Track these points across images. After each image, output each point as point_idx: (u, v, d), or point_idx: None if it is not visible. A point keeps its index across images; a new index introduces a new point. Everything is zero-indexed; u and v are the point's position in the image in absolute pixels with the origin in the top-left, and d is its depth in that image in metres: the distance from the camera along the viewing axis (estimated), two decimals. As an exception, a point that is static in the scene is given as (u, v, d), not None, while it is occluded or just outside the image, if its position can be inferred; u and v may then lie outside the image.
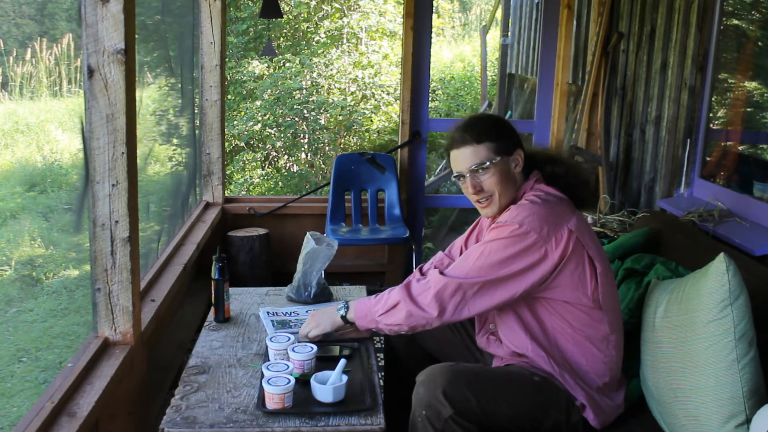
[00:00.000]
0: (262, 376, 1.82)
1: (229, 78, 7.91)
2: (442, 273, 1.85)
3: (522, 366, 1.89)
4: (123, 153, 1.89)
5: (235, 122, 8.00)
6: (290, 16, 8.38)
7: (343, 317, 2.01)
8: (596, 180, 4.04)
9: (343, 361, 1.84)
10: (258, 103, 8.06)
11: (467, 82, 10.26)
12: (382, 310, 1.89)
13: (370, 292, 2.25)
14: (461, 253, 2.24)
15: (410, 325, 1.86)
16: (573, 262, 1.80)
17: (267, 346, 1.99)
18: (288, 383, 1.73)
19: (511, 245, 1.79)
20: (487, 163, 1.87)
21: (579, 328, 1.85)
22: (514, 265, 1.79)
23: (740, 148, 3.27)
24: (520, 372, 1.88)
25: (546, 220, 1.80)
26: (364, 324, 1.96)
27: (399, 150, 4.29)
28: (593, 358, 1.86)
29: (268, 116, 7.97)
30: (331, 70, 8.14)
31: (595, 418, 1.84)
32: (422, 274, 2.23)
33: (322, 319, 2.05)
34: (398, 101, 6.14)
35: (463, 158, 1.91)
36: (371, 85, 8.24)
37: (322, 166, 8.13)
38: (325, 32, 8.37)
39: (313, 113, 7.96)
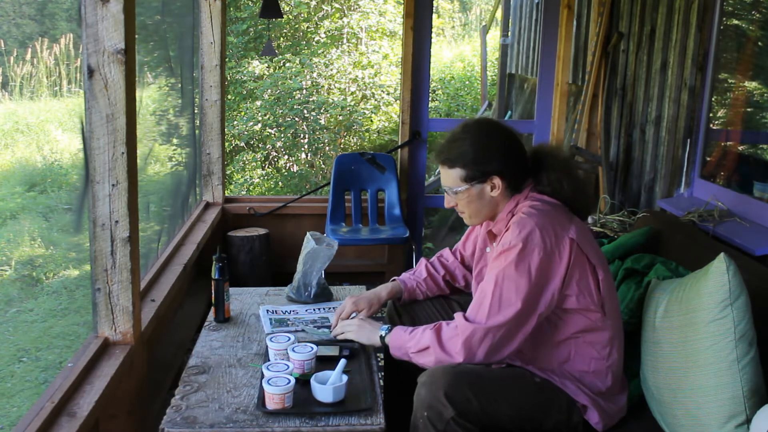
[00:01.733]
0: (262, 376, 1.82)
1: (229, 78, 7.91)
2: (466, 318, 1.82)
3: (522, 366, 1.90)
4: (123, 153, 1.89)
5: (235, 122, 8.00)
6: (290, 16, 8.38)
7: (382, 338, 1.98)
8: (596, 180, 4.04)
9: (343, 361, 1.85)
10: (258, 103, 8.06)
11: (467, 82, 10.26)
12: (414, 349, 1.87)
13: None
14: (461, 257, 2.27)
15: None
16: (577, 271, 1.80)
17: (267, 346, 1.99)
18: (288, 383, 1.73)
19: (521, 269, 1.77)
20: (456, 189, 1.90)
21: (582, 335, 1.85)
22: (529, 291, 1.77)
23: (740, 148, 3.27)
24: (522, 373, 1.88)
25: (548, 234, 1.78)
26: (398, 355, 1.93)
27: (399, 150, 4.29)
28: (596, 364, 1.86)
29: (268, 116, 7.96)
30: (331, 70, 8.14)
31: (599, 422, 1.84)
32: (429, 274, 2.25)
33: (363, 332, 2.02)
34: (398, 101, 6.14)
35: (442, 175, 1.96)
36: (371, 85, 8.24)
37: (322, 166, 8.13)
38: (325, 32, 8.37)
39: (313, 113, 7.96)
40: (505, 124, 1.98)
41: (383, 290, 2.22)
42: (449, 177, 1.91)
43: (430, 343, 1.83)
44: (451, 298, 2.25)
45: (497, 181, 1.88)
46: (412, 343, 1.87)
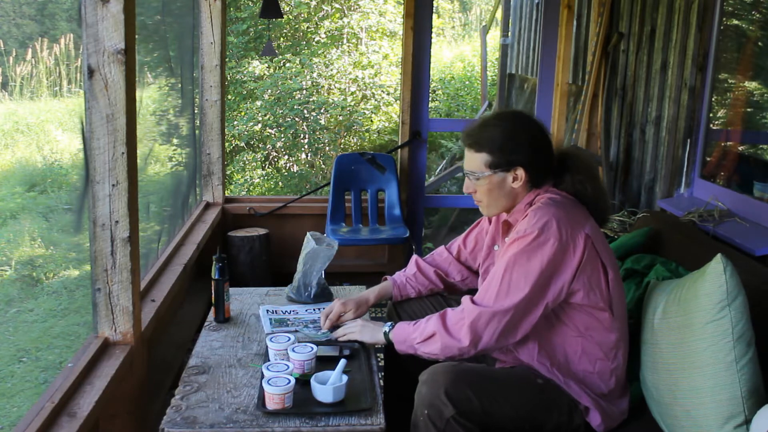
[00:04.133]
0: (262, 376, 1.82)
1: (229, 78, 7.91)
2: (473, 302, 1.82)
3: (525, 367, 1.90)
4: (123, 153, 1.89)
5: (236, 122, 8.00)
6: (290, 16, 8.38)
7: (386, 334, 1.98)
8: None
9: (343, 361, 1.85)
10: (258, 103, 8.06)
11: (467, 82, 10.26)
12: (420, 339, 1.87)
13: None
14: (458, 253, 2.25)
15: (446, 356, 1.85)
16: (589, 267, 1.80)
17: (267, 346, 1.99)
18: (288, 383, 1.74)
19: (533, 256, 1.77)
20: (478, 174, 1.89)
21: (590, 334, 1.85)
22: (539, 279, 1.77)
23: (740, 148, 3.27)
24: (524, 373, 1.88)
25: (564, 226, 1.78)
26: (403, 349, 1.93)
27: (399, 150, 4.29)
28: (601, 365, 1.86)
29: (268, 116, 7.97)
30: (331, 70, 8.14)
31: (601, 423, 1.84)
32: (419, 268, 2.24)
33: (367, 331, 2.03)
34: (398, 101, 6.14)
35: (466, 159, 1.94)
36: (371, 85, 8.24)
37: (322, 166, 8.13)
38: (325, 32, 8.37)
39: (313, 113, 7.96)
40: (538, 119, 1.95)
41: (371, 293, 2.23)
42: (474, 161, 1.89)
43: (435, 329, 1.83)
44: (450, 297, 2.25)
45: (520, 172, 1.87)
46: (417, 333, 1.88)
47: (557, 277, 1.78)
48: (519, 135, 1.88)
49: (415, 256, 2.30)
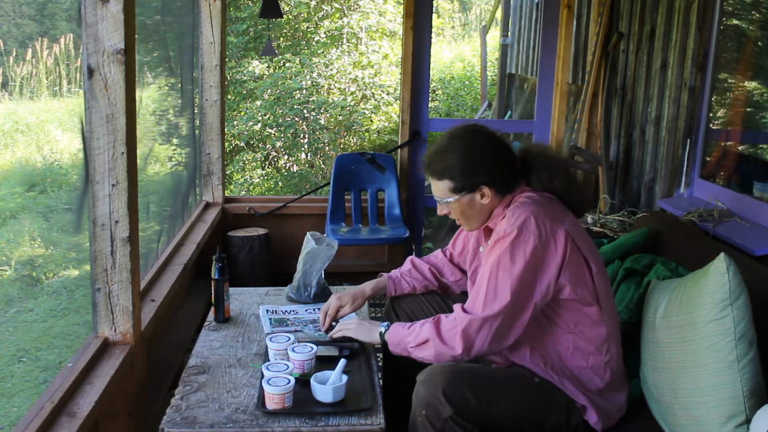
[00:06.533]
0: (262, 376, 1.82)
1: (229, 78, 7.91)
2: (464, 310, 1.83)
3: (522, 367, 1.90)
4: (123, 153, 1.89)
5: (235, 122, 8.00)
6: (290, 16, 8.38)
7: (381, 334, 1.98)
8: (596, 180, 4.04)
9: (343, 361, 1.85)
10: (258, 103, 8.06)
11: (467, 82, 10.26)
12: (414, 343, 1.87)
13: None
14: (450, 255, 2.27)
15: (439, 361, 1.85)
16: (573, 262, 1.80)
17: (267, 346, 1.99)
18: (288, 383, 1.74)
19: (516, 257, 1.77)
20: (445, 200, 1.92)
21: (580, 330, 1.85)
22: (523, 279, 1.77)
23: (740, 148, 3.27)
24: (521, 373, 1.88)
25: (543, 222, 1.79)
26: (397, 351, 1.93)
27: (399, 150, 4.30)
28: (594, 360, 1.86)
29: (268, 116, 7.96)
30: (331, 70, 8.14)
31: (598, 421, 1.84)
32: (414, 264, 2.26)
33: (362, 330, 2.02)
34: (398, 101, 6.14)
35: (432, 186, 1.96)
36: (371, 85, 8.24)
37: (322, 166, 8.13)
38: (325, 32, 8.37)
39: (313, 113, 7.96)
40: (490, 129, 1.95)
41: (367, 286, 2.23)
42: (438, 188, 1.93)
43: (429, 336, 1.84)
44: (449, 297, 2.25)
45: (486, 190, 1.89)
46: (411, 337, 1.88)
47: (542, 275, 1.78)
48: (476, 155, 1.88)
49: (410, 256, 2.32)
